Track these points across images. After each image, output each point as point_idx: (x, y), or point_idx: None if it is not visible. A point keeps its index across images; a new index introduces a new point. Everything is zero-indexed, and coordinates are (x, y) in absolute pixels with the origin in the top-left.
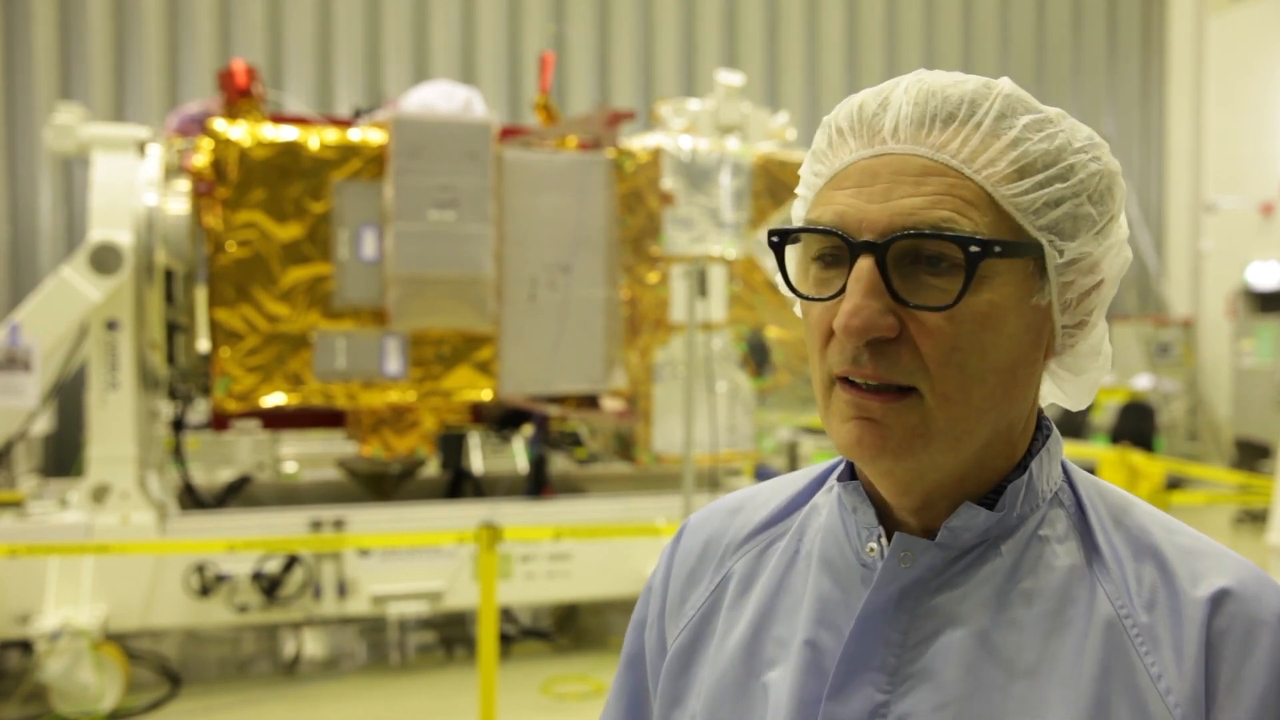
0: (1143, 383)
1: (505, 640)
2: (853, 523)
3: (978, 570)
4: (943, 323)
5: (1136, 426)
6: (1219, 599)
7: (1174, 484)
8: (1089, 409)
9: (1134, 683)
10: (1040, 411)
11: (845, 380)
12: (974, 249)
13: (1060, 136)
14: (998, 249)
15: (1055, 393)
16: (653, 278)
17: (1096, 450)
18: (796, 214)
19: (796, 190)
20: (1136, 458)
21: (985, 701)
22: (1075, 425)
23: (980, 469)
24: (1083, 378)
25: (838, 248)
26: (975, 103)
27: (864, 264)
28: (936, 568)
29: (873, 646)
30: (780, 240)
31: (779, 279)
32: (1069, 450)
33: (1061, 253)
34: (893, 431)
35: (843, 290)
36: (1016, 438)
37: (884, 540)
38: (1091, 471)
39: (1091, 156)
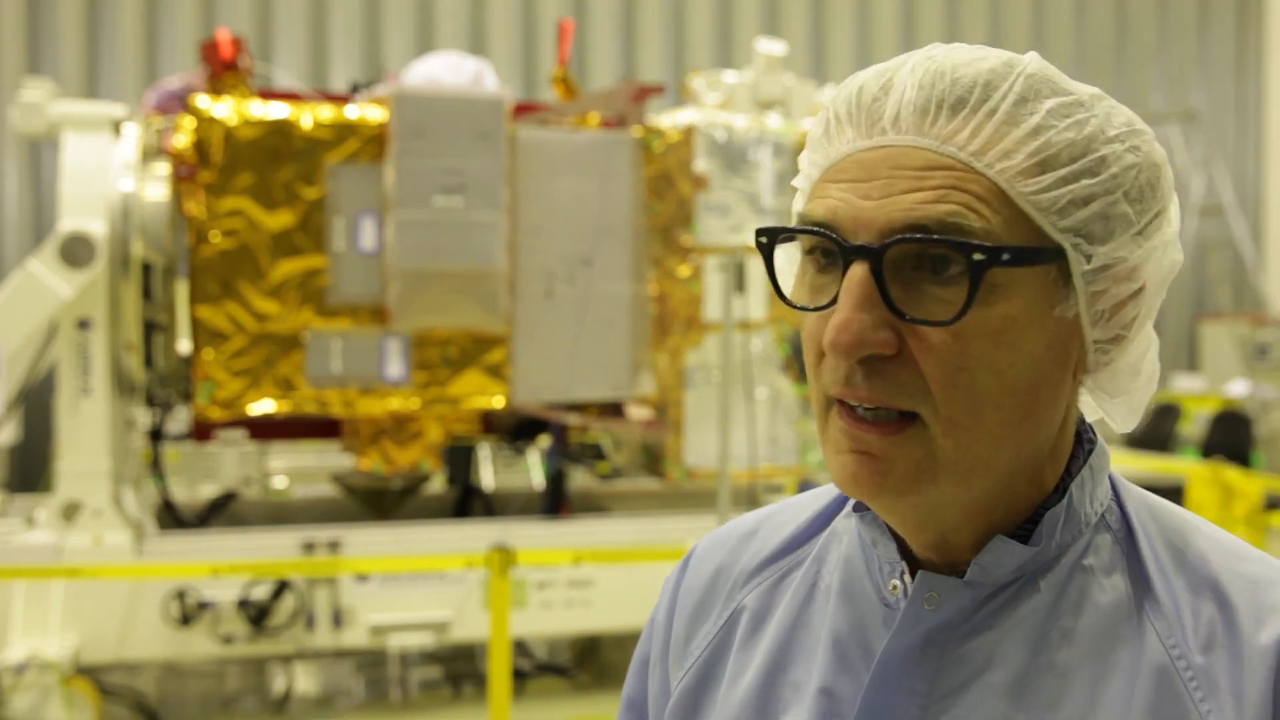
0: (1238, 389)
1: (519, 676)
2: (874, 556)
3: (1012, 610)
4: (947, 339)
5: (1231, 438)
6: None
7: (1273, 504)
8: (1176, 418)
9: None
10: (1080, 419)
11: (842, 403)
12: (978, 256)
13: (1092, 123)
14: (1006, 256)
15: (1099, 410)
16: (684, 271)
17: (1185, 465)
18: (795, 207)
19: (794, 183)
20: (1231, 474)
21: None
22: (1161, 437)
23: (1006, 499)
24: (1121, 399)
25: (832, 246)
26: (991, 84)
27: (857, 271)
28: (966, 609)
29: (895, 696)
30: (770, 241)
31: (770, 282)
32: (1152, 466)
33: (1089, 258)
34: (894, 467)
35: (836, 300)
36: (1045, 462)
37: (907, 577)
38: (1179, 491)
39: (1129, 146)
